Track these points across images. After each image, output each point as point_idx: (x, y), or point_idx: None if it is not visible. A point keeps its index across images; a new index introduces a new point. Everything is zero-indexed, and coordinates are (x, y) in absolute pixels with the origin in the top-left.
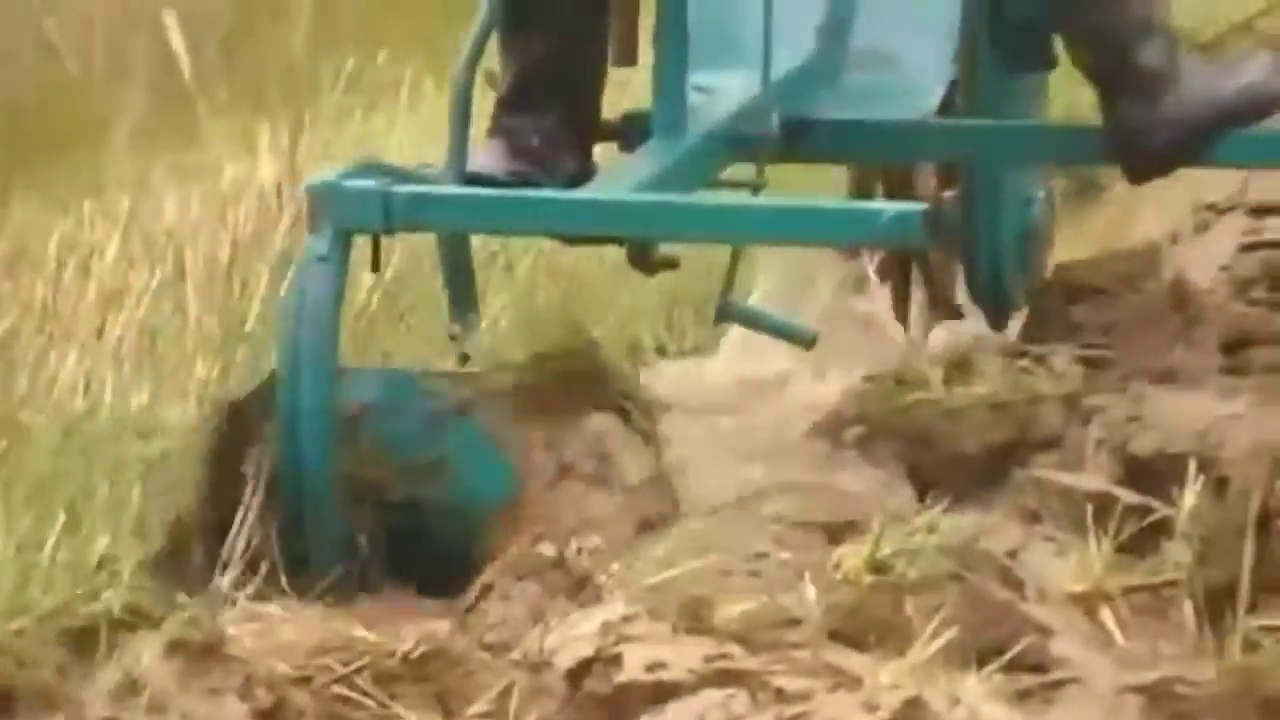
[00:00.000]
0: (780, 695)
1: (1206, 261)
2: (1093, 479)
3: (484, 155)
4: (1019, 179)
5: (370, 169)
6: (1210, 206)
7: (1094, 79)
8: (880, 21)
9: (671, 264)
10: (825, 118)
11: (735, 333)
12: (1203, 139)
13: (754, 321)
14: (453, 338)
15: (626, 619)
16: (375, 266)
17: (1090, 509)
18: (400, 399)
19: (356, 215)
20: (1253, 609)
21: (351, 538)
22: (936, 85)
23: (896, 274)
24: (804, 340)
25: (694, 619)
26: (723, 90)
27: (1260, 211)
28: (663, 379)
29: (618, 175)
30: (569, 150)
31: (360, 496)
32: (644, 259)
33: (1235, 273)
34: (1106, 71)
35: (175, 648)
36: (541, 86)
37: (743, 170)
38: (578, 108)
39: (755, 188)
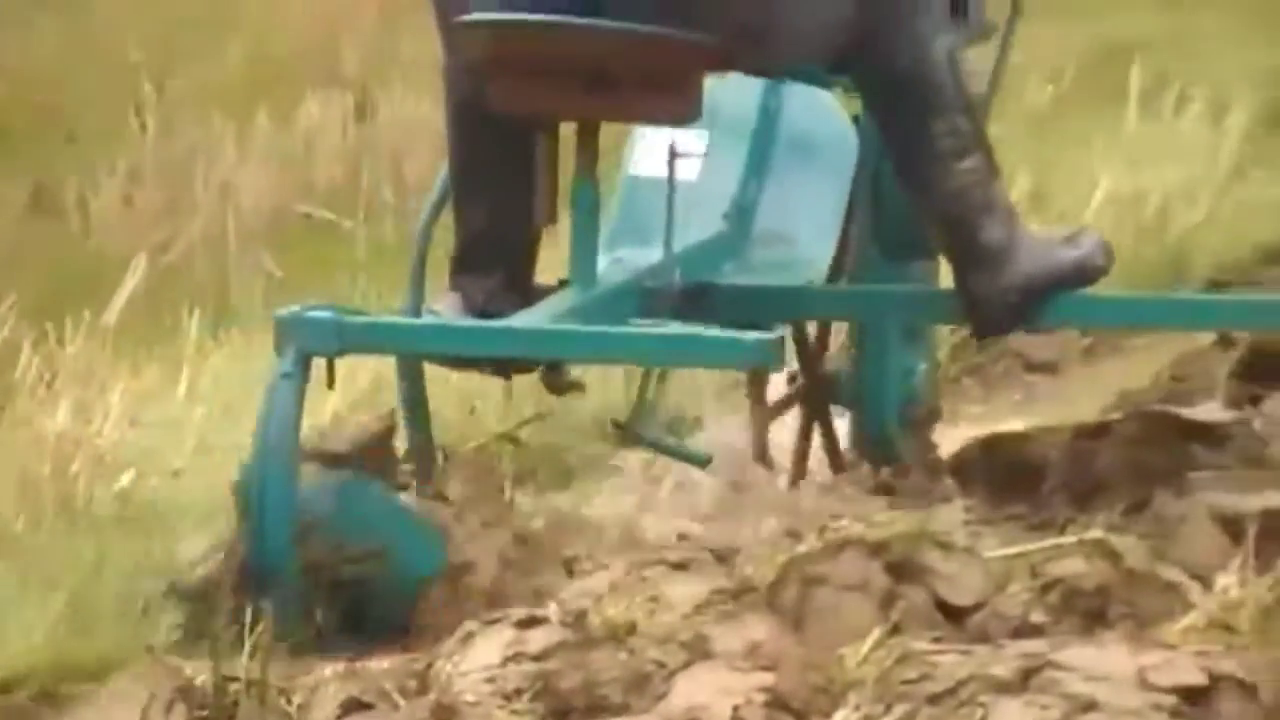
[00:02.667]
0: None
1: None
2: None
3: (441, 306)
4: (902, 351)
5: (328, 306)
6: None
7: (947, 254)
8: (779, 209)
9: (579, 387)
10: (726, 283)
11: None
12: (1036, 305)
13: (657, 445)
14: (407, 456)
15: None
16: (330, 384)
17: None
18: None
19: (314, 340)
20: None
21: (310, 611)
22: (823, 259)
23: (802, 428)
24: (699, 463)
25: None
26: (638, 260)
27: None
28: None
29: (534, 312)
30: (511, 305)
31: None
32: (555, 383)
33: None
34: (956, 248)
35: None
36: (485, 250)
37: None
38: (517, 268)
39: None
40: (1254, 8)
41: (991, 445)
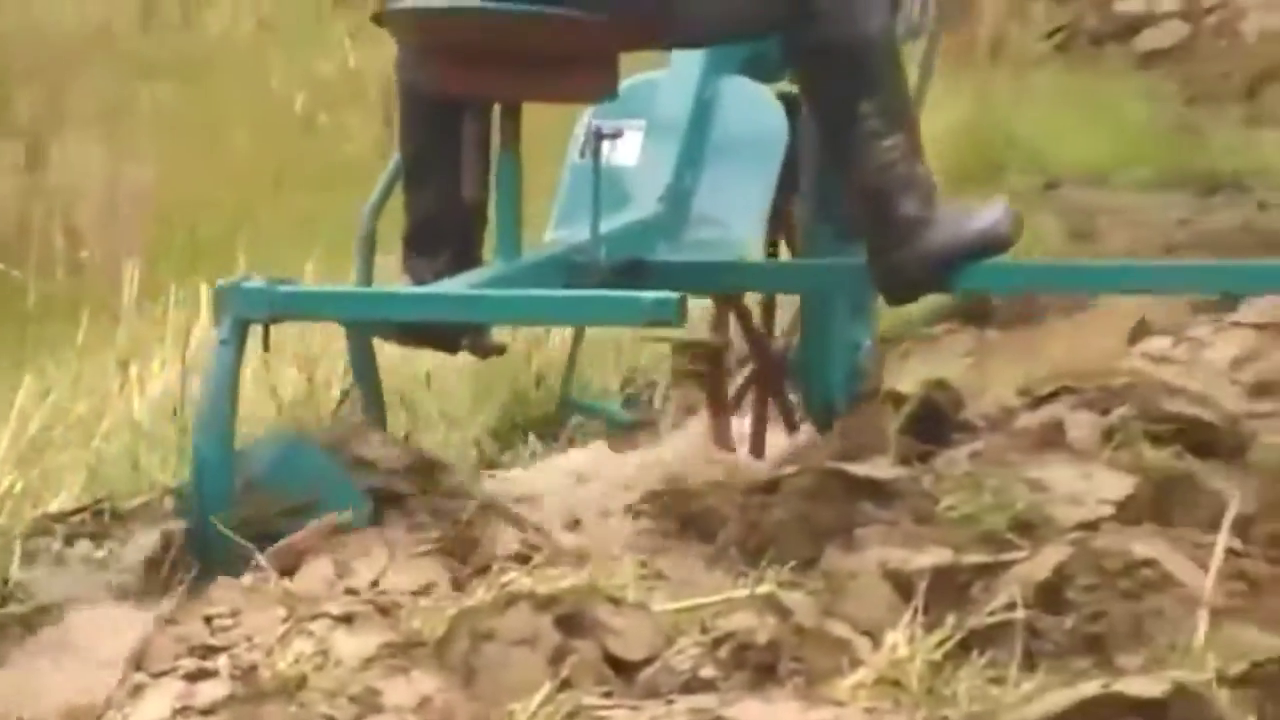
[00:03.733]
0: None
1: None
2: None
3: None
4: (846, 327)
5: (265, 277)
6: None
7: (865, 224)
8: (713, 194)
9: (501, 349)
10: (660, 260)
11: None
12: (947, 271)
13: (589, 410)
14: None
15: None
16: (266, 347)
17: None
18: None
19: (248, 307)
20: None
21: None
22: (753, 239)
23: (755, 408)
24: (622, 423)
25: None
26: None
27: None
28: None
29: (457, 281)
30: None
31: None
32: (479, 346)
33: None
34: (874, 220)
35: None
36: (432, 232)
37: None
38: (464, 249)
39: None
40: None
41: (664, 498)
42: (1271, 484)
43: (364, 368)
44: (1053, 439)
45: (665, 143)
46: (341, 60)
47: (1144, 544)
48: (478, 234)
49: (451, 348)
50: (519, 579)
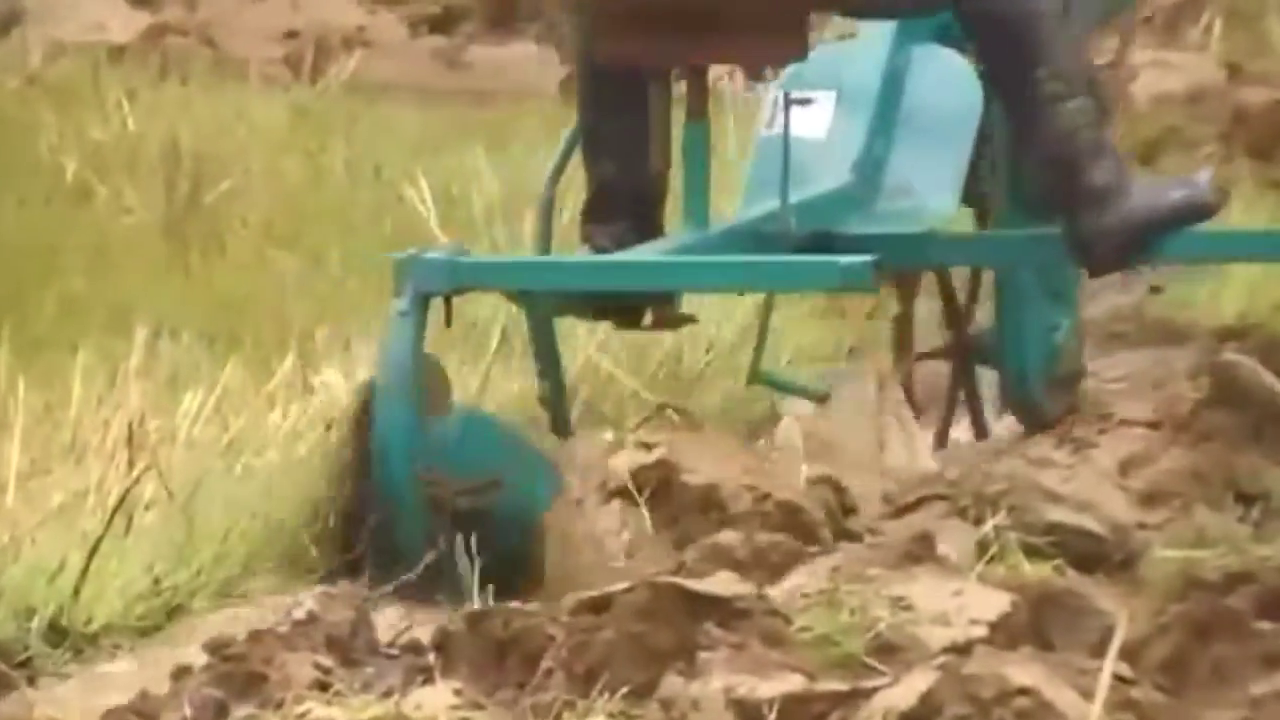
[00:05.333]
0: None
1: None
2: None
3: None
4: (1043, 305)
5: (446, 247)
6: None
7: (1054, 196)
8: (906, 164)
9: (690, 319)
10: (850, 232)
11: None
12: (1147, 240)
13: (779, 384)
14: (541, 400)
15: None
16: (448, 322)
17: None
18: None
19: (430, 279)
20: None
21: (432, 539)
22: (947, 210)
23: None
24: (819, 396)
25: None
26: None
27: None
28: None
29: (643, 249)
30: None
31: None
32: (666, 317)
33: None
34: (1064, 189)
35: None
36: (612, 200)
37: None
38: (643, 217)
39: None
40: None
41: (480, 620)
42: (1163, 603)
43: (545, 346)
44: (920, 551)
45: (856, 112)
46: (120, 123)
47: (1021, 669)
48: (659, 203)
49: (635, 321)
50: (319, 708)
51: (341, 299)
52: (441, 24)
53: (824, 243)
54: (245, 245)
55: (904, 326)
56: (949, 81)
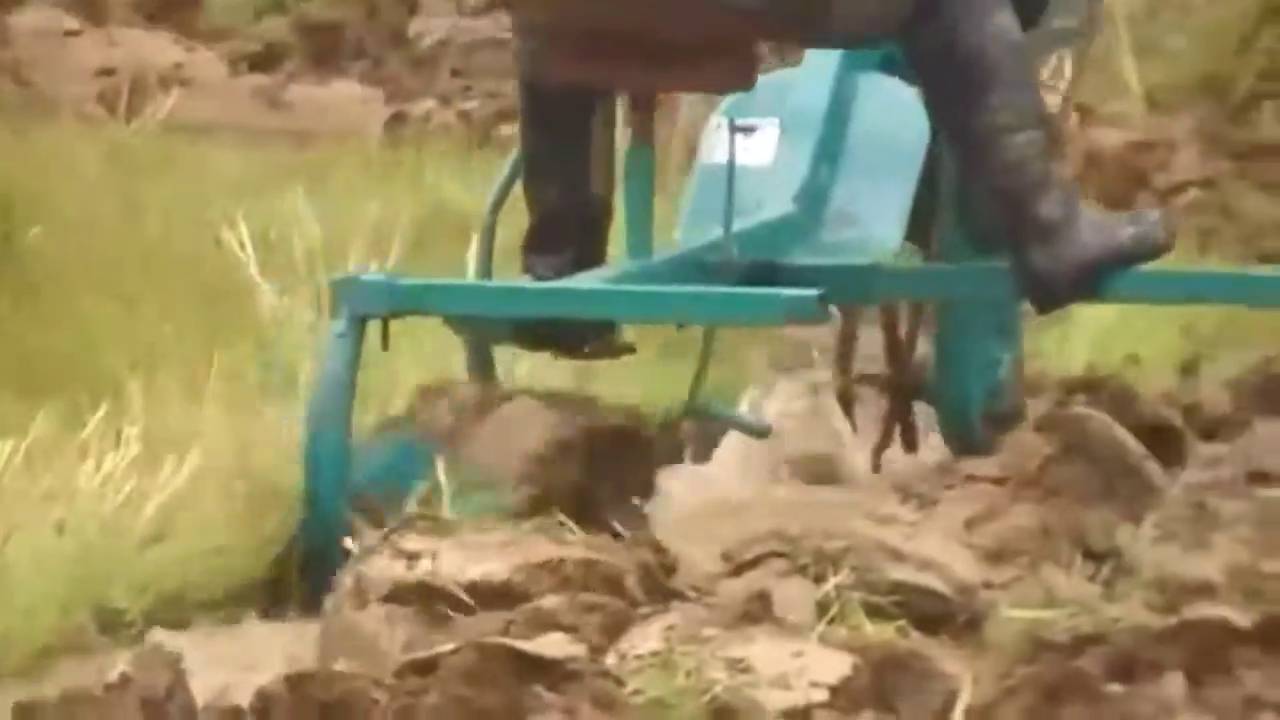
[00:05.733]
0: None
1: None
2: None
3: None
4: (986, 340)
5: (386, 271)
6: None
7: (1001, 232)
8: (850, 194)
9: (629, 349)
10: (795, 263)
11: None
12: (1097, 278)
13: (718, 416)
14: None
15: None
16: (385, 345)
17: None
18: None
19: (367, 301)
20: None
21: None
22: (893, 242)
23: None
24: (759, 433)
25: None
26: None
27: None
28: None
29: (584, 277)
30: None
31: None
32: (606, 347)
33: None
34: (1014, 222)
35: None
36: (555, 229)
37: None
38: (588, 246)
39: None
40: None
41: (301, 683)
42: (1010, 665)
43: (482, 371)
44: (758, 611)
45: (800, 141)
46: None
47: None
48: (603, 232)
49: (575, 350)
50: None
51: (157, 346)
52: (262, 62)
53: (767, 274)
54: (57, 291)
55: (846, 345)
56: (895, 111)
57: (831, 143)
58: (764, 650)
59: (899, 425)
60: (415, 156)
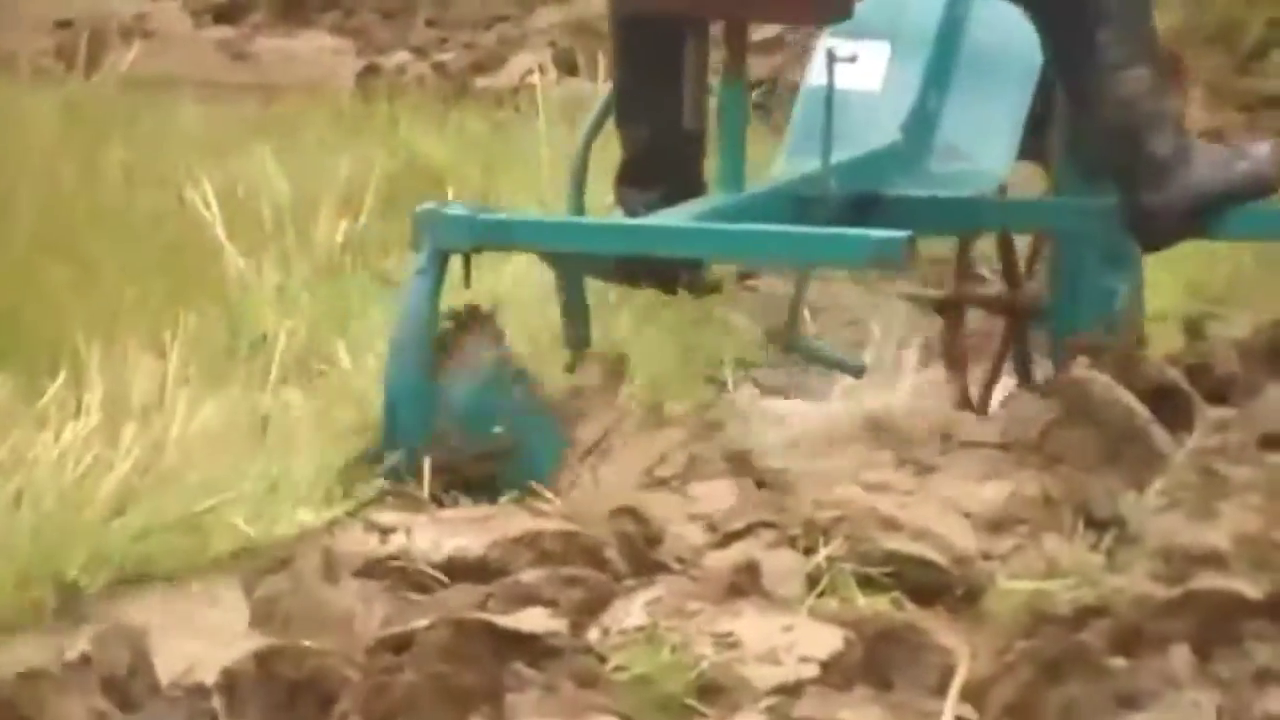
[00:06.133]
0: None
1: None
2: None
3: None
4: (1100, 269)
5: (470, 204)
6: None
7: (1113, 166)
8: (960, 122)
9: (718, 288)
10: (896, 194)
11: None
12: (1207, 216)
13: (813, 353)
14: (567, 368)
15: None
16: (467, 282)
17: None
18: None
19: (449, 236)
20: None
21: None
22: (1001, 173)
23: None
24: (854, 371)
25: None
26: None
27: None
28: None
29: (673, 213)
30: None
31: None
32: (695, 284)
33: None
34: (1124, 160)
35: None
36: (647, 166)
37: None
38: (680, 183)
39: None
40: None
41: (269, 660)
42: (1009, 639)
43: (575, 306)
44: (745, 584)
45: (910, 65)
46: None
47: (855, 711)
48: (697, 165)
49: (670, 286)
50: None
51: (119, 310)
52: (227, 13)
53: (868, 206)
54: (12, 253)
55: (964, 257)
56: (1009, 33)
57: (942, 67)
58: (752, 624)
59: (1015, 361)
60: (388, 111)
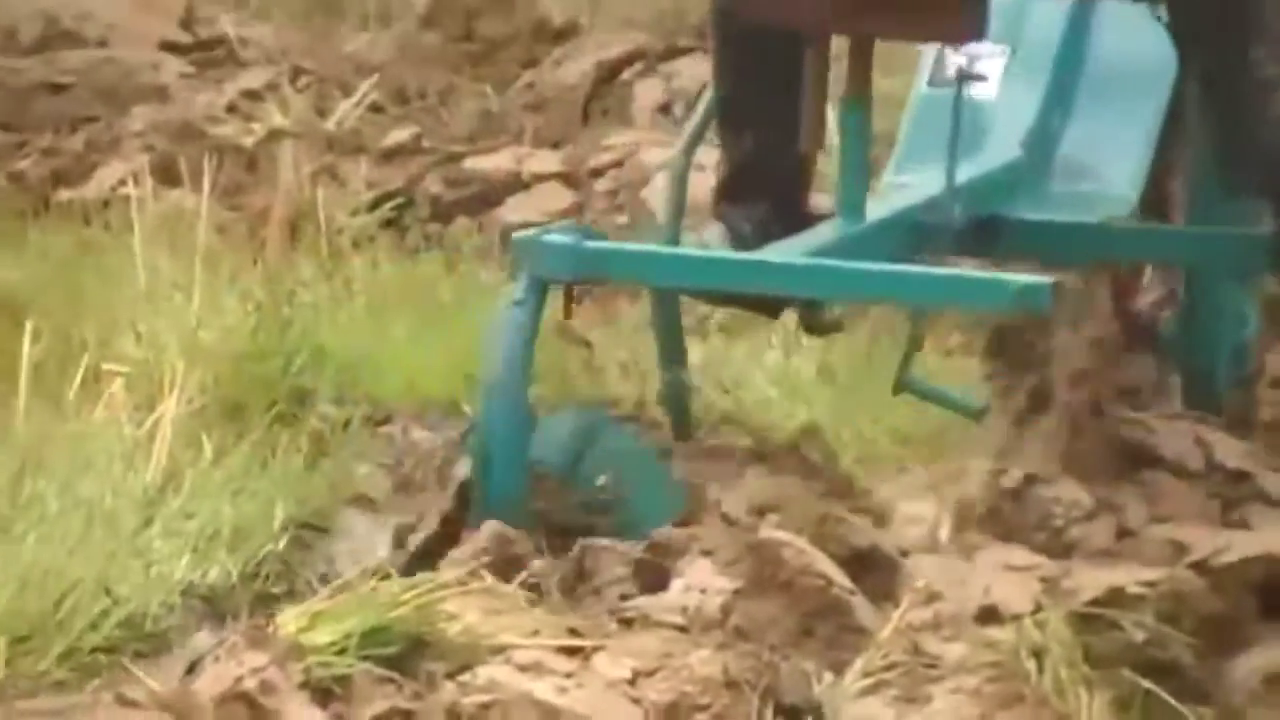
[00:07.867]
0: None
1: None
2: None
3: (705, 235)
4: (1235, 297)
5: (571, 228)
6: None
7: (1267, 192)
8: (1085, 138)
9: (838, 327)
10: (1018, 217)
11: None
12: None
13: (929, 394)
14: (660, 398)
15: None
16: (568, 314)
17: None
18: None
19: (550, 265)
20: None
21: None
22: (1131, 196)
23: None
24: (974, 413)
25: None
26: (925, 185)
27: None
28: None
29: (791, 245)
30: (779, 236)
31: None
32: (813, 322)
33: None
34: (1277, 186)
35: None
36: (752, 180)
37: None
38: (786, 199)
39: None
40: None
41: None
42: None
43: (669, 332)
44: None
45: (1031, 75)
46: None
47: None
48: (805, 184)
49: (775, 312)
50: None
51: None
52: None
53: (988, 229)
54: None
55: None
56: (1139, 45)
57: (1066, 79)
58: None
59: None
60: None
